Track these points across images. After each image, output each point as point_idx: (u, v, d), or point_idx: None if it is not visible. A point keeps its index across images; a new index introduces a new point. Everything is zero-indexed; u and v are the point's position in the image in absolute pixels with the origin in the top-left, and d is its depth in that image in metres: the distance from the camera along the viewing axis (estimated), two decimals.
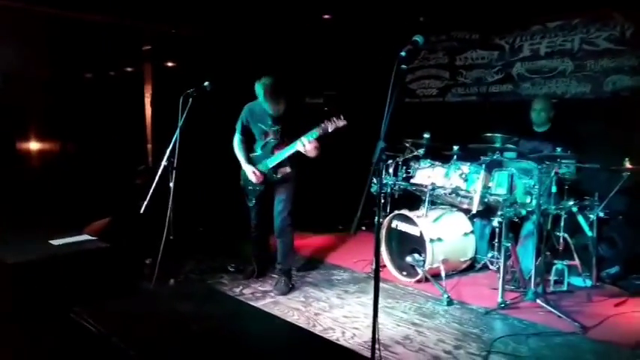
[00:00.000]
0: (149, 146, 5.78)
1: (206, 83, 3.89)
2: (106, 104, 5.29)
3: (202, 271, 4.48)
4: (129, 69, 5.78)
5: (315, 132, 3.77)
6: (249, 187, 4.15)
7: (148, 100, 5.81)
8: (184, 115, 3.84)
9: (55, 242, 3.56)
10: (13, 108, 4.73)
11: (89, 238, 3.79)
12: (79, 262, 3.43)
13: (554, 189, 3.81)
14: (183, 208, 3.99)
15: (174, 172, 3.82)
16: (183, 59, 5.81)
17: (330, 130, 3.77)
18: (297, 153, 3.90)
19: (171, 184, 3.82)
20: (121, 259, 3.82)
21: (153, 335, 2.41)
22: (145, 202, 3.70)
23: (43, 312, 3.00)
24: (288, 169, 4.04)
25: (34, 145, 5.04)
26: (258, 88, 3.84)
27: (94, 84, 5.38)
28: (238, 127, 4.18)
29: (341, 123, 3.75)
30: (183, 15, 5.43)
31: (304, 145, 3.79)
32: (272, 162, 4.01)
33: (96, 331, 2.35)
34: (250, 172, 4.06)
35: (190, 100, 3.85)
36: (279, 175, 4.03)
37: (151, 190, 3.72)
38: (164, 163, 3.79)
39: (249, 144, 4.18)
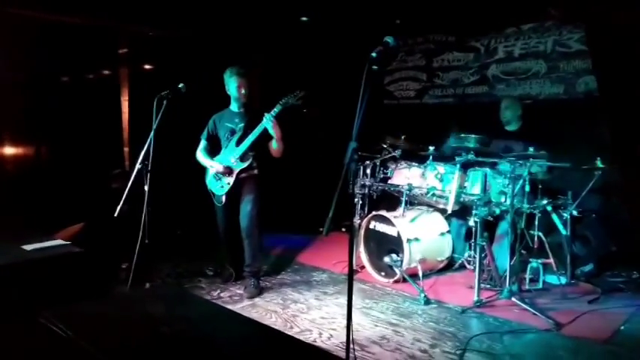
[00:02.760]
0: (126, 149, 5.71)
1: (181, 85, 3.89)
2: (82, 107, 5.21)
3: (180, 274, 4.44)
4: (105, 71, 5.71)
5: (278, 106, 3.90)
6: (216, 186, 4.12)
7: (124, 103, 5.75)
8: (159, 118, 3.82)
9: (27, 247, 3.50)
10: None
11: (62, 242, 3.73)
12: (52, 267, 3.37)
13: (527, 188, 3.86)
14: (160, 211, 3.95)
15: (148, 174, 3.79)
16: (160, 62, 5.76)
17: (290, 102, 3.92)
18: (261, 156, 4.01)
19: (146, 187, 3.79)
20: (96, 264, 3.77)
21: (122, 338, 2.38)
22: (120, 206, 3.66)
23: (13, 316, 2.94)
24: (254, 163, 4.05)
25: (7, 149, 4.94)
26: (227, 75, 4.05)
27: (70, 87, 5.30)
28: (204, 135, 4.24)
29: (300, 93, 3.93)
30: (160, 17, 5.39)
31: (270, 121, 3.86)
32: (239, 152, 4.02)
33: (64, 334, 2.32)
34: (215, 167, 4.06)
35: (165, 102, 3.83)
36: (244, 163, 4.00)
37: (125, 194, 3.68)
38: (138, 165, 3.76)
39: (213, 152, 4.20)
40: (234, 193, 4.07)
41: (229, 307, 3.75)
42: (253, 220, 4.04)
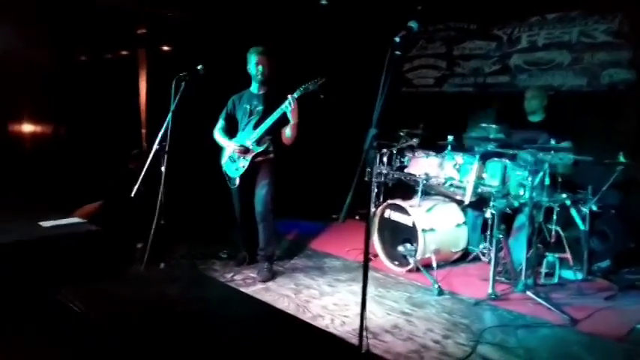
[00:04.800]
0: (143, 131, 5.73)
1: (199, 67, 3.88)
2: (101, 88, 5.23)
3: (194, 256, 4.44)
4: (124, 52, 5.71)
5: (298, 92, 3.87)
6: (230, 169, 4.11)
7: (142, 84, 5.76)
8: (177, 99, 3.82)
9: (45, 224, 3.54)
10: (3, 90, 4.67)
11: (79, 220, 3.77)
12: (68, 245, 3.41)
13: (547, 181, 3.80)
14: (176, 192, 3.96)
15: (166, 156, 3.80)
16: (179, 43, 5.74)
17: (310, 89, 3.88)
18: (278, 140, 3.97)
19: (163, 168, 3.80)
20: (112, 243, 3.81)
21: (137, 317, 2.40)
22: (137, 186, 3.68)
23: (30, 293, 2.99)
24: (271, 147, 4.02)
25: (26, 128, 4.98)
26: (249, 53, 4.03)
27: (89, 67, 5.31)
28: (222, 115, 4.23)
29: (321, 80, 3.88)
30: None
31: (290, 104, 3.83)
32: (256, 135, 3.99)
33: (81, 312, 2.34)
34: (231, 147, 4.04)
35: (183, 83, 3.83)
36: (261, 147, 3.98)
37: (142, 174, 3.70)
38: (156, 146, 3.77)
39: (231, 133, 4.17)
40: (250, 177, 4.06)
41: (242, 289, 3.78)
42: (268, 204, 4.04)
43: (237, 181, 4.07)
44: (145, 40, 5.68)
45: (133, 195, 3.67)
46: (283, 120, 3.92)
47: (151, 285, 3.50)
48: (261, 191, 4.03)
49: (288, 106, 3.85)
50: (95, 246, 3.56)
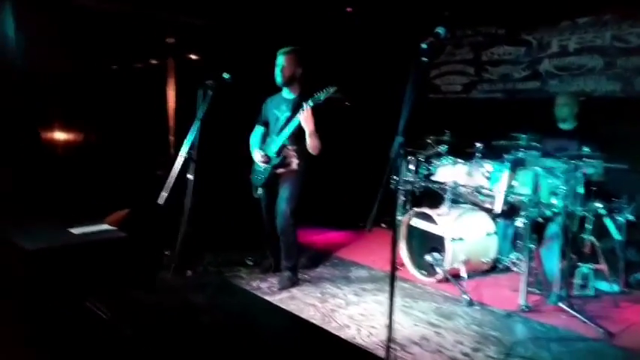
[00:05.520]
0: (171, 138, 5.80)
1: (225, 75, 3.89)
2: (130, 95, 5.32)
3: (220, 263, 4.47)
4: (153, 61, 5.80)
5: (311, 101, 3.78)
6: (255, 177, 4.10)
7: (170, 92, 5.83)
8: (203, 107, 3.84)
9: (75, 231, 3.59)
10: (37, 98, 4.78)
11: (109, 227, 3.81)
12: (98, 252, 3.44)
13: (580, 190, 3.69)
14: (203, 199, 3.98)
15: (193, 163, 3.82)
16: (207, 52, 5.80)
17: (321, 98, 3.77)
18: (304, 151, 3.90)
19: (191, 176, 3.83)
20: (140, 250, 3.84)
21: (163, 325, 2.41)
22: (163, 193, 3.70)
23: (58, 299, 3.02)
24: (294, 159, 3.96)
25: (57, 135, 5.09)
26: (279, 56, 3.94)
27: (119, 75, 5.41)
28: (258, 120, 4.21)
29: (331, 89, 3.77)
30: (207, 6, 5.43)
31: (301, 113, 3.77)
32: (276, 145, 3.97)
33: (109, 319, 2.36)
34: (255, 155, 4.04)
35: (209, 91, 3.85)
36: (279, 158, 3.94)
37: (169, 182, 3.72)
38: (183, 154, 3.80)
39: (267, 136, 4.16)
40: (274, 187, 4.03)
41: (268, 298, 3.77)
42: (287, 219, 3.95)
43: (260, 190, 4.06)
44: (174, 49, 5.76)
45: (159, 202, 3.69)
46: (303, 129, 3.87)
47: (178, 292, 3.52)
48: (281, 204, 3.96)
49: (300, 115, 3.80)
50: (123, 253, 3.59)
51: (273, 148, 3.99)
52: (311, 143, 3.86)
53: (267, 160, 3.98)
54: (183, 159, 3.78)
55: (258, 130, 4.19)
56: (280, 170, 3.99)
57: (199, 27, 5.74)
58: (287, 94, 4.06)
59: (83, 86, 5.07)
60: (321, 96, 3.79)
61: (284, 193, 3.96)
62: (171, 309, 2.71)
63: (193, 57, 5.92)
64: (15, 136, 4.61)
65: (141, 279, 3.62)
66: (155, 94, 5.70)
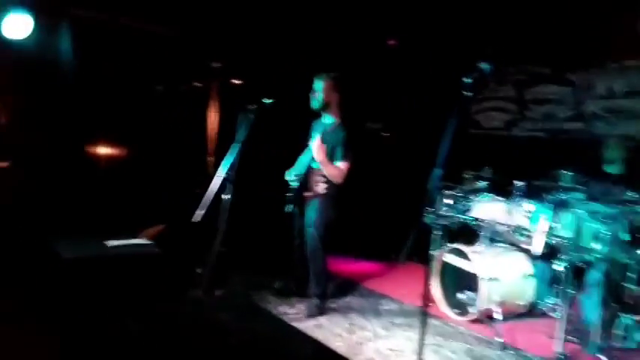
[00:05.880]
0: (210, 159, 5.90)
1: (267, 100, 3.95)
2: (173, 115, 5.47)
3: (250, 285, 4.46)
4: (197, 83, 5.96)
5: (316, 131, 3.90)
6: (288, 194, 4.11)
7: (212, 114, 5.96)
8: (244, 131, 3.89)
9: (111, 243, 3.66)
10: (85, 113, 4.96)
11: (144, 242, 3.88)
12: (131, 265, 3.50)
13: (625, 236, 3.55)
14: (238, 220, 4.01)
15: (231, 185, 3.86)
16: (250, 77, 5.93)
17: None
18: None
19: (227, 197, 3.86)
20: (172, 266, 3.88)
21: (190, 342, 2.41)
22: (198, 212, 3.74)
23: (90, 309, 3.06)
24: (321, 183, 3.95)
25: (101, 149, 5.26)
26: (316, 81, 4.01)
27: (164, 96, 5.57)
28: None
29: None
30: (252, 32, 5.57)
31: (313, 141, 3.83)
32: (296, 169, 4.04)
33: (138, 332, 2.37)
34: (287, 173, 4.11)
35: (250, 115, 3.91)
36: (301, 178, 4.00)
37: (206, 201, 3.76)
38: (222, 175, 3.84)
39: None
40: (301, 210, 4.06)
41: (294, 324, 3.72)
42: (315, 243, 3.94)
43: (289, 208, 4.06)
44: (218, 73, 5.91)
45: (194, 220, 3.73)
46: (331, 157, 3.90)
47: (207, 311, 3.52)
48: (308, 229, 3.97)
49: (311, 144, 3.86)
50: (156, 268, 3.64)
51: (300, 168, 4.04)
52: (326, 172, 3.88)
53: (294, 178, 4.05)
54: (221, 179, 3.82)
55: (305, 152, 4.23)
56: (308, 194, 4.01)
57: (244, 52, 5.89)
58: (326, 118, 4.11)
59: (129, 104, 5.24)
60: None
61: (311, 216, 3.98)
62: (198, 327, 2.71)
63: (237, 81, 6.06)
64: (61, 147, 4.79)
65: (171, 295, 3.64)
66: (197, 116, 5.85)
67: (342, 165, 3.89)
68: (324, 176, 3.94)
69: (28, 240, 3.82)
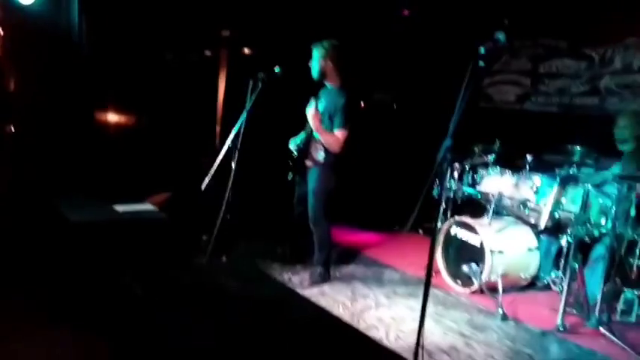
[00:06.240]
0: (218, 128, 5.91)
1: (277, 69, 3.93)
2: (182, 84, 5.45)
3: (255, 253, 4.50)
4: (207, 52, 5.92)
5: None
6: (290, 162, 4.13)
7: (221, 84, 5.94)
8: (252, 98, 3.89)
9: (119, 208, 3.70)
10: (95, 80, 4.97)
11: (151, 208, 3.92)
12: (139, 230, 3.55)
13: (633, 212, 3.52)
14: (244, 188, 4.03)
15: (237, 153, 3.88)
16: (260, 45, 5.87)
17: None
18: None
19: (234, 164, 3.88)
20: (178, 233, 3.93)
21: (195, 307, 2.45)
22: (206, 180, 3.77)
23: (97, 271, 3.12)
24: (321, 151, 3.94)
25: (110, 116, 5.28)
26: (313, 50, 3.98)
27: (173, 64, 5.55)
28: None
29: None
30: (261, 1, 5.50)
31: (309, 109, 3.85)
32: (298, 137, 4.03)
33: (142, 296, 2.42)
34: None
35: (260, 84, 3.90)
36: (303, 146, 4.01)
37: (213, 169, 3.79)
38: (229, 143, 3.86)
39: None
40: (303, 177, 4.07)
41: (298, 291, 3.77)
42: (317, 211, 3.95)
43: (290, 176, 4.08)
44: (228, 41, 5.86)
45: (202, 188, 3.76)
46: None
47: (212, 277, 3.57)
48: (310, 198, 3.98)
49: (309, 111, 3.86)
50: (163, 234, 3.68)
51: (302, 137, 4.05)
52: (322, 140, 3.86)
53: (295, 146, 4.06)
54: (228, 148, 3.84)
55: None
56: (309, 163, 4.01)
57: (254, 20, 5.82)
58: (329, 86, 4.05)
59: (138, 72, 5.23)
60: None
61: (311, 185, 3.99)
62: (202, 291, 2.76)
63: (246, 50, 6.01)
64: (71, 114, 4.81)
65: (177, 261, 3.70)
66: (207, 85, 5.82)
67: (338, 133, 3.83)
68: (324, 145, 3.93)
69: (36, 204, 3.88)
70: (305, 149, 4.01)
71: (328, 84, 4.03)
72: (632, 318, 3.68)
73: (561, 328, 3.43)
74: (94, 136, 5.00)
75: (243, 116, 3.91)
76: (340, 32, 5.86)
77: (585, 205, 3.68)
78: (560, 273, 4.08)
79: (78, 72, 4.84)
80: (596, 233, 3.64)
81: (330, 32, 5.53)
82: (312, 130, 3.91)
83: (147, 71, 5.28)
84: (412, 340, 2.48)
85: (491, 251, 3.89)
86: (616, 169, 3.99)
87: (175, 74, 5.47)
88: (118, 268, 2.91)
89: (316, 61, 3.96)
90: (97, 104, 5.19)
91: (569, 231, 3.62)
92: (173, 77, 5.43)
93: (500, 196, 4.11)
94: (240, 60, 5.90)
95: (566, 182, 3.89)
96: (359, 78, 4.14)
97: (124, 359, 2.39)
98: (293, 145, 4.08)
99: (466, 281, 4.09)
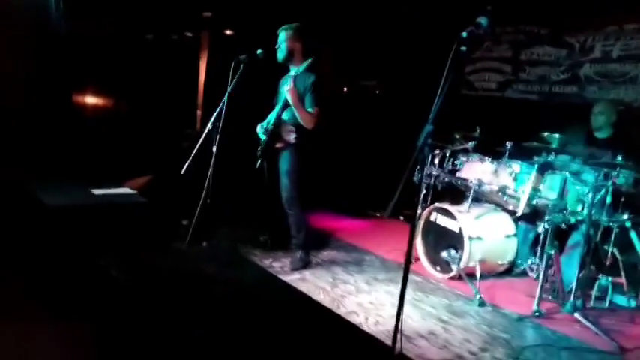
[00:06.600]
0: (199, 112, 5.83)
1: (259, 51, 3.88)
2: (162, 66, 5.35)
3: (235, 238, 4.49)
4: (187, 34, 5.82)
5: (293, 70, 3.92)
6: (258, 149, 4.11)
7: (202, 66, 5.85)
8: (234, 81, 3.84)
9: (97, 192, 3.65)
10: (73, 61, 4.85)
11: (129, 192, 3.87)
12: (117, 214, 3.51)
13: (608, 200, 3.59)
14: (225, 173, 3.99)
15: (218, 136, 3.83)
16: (242, 28, 5.79)
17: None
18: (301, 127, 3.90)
19: (214, 149, 3.84)
20: (158, 217, 3.89)
21: (174, 290, 2.43)
22: (187, 164, 3.73)
23: (75, 256, 3.08)
24: (292, 133, 3.93)
25: (88, 99, 5.17)
26: (280, 33, 3.97)
27: (153, 46, 5.44)
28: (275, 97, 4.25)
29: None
30: None
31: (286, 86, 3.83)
32: (273, 114, 4.01)
33: (120, 280, 2.39)
34: (258, 127, 4.11)
35: (242, 66, 3.85)
36: (271, 129, 3.98)
37: (194, 153, 3.75)
38: (209, 127, 3.82)
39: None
40: (273, 162, 4.05)
41: (279, 276, 3.77)
42: (291, 192, 3.96)
43: (259, 162, 4.06)
44: (210, 23, 5.76)
45: (182, 172, 3.72)
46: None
47: (192, 261, 3.55)
48: (282, 180, 3.99)
49: (285, 88, 3.83)
50: (142, 218, 3.64)
51: (269, 120, 4.03)
52: (298, 116, 3.85)
53: (263, 131, 4.04)
54: (208, 131, 3.80)
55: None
56: (279, 145, 3.98)
57: (236, 2, 5.72)
58: (292, 70, 4.05)
59: (118, 53, 5.12)
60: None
61: (283, 166, 3.98)
62: (183, 276, 2.74)
63: (228, 32, 5.92)
64: (48, 96, 4.69)
65: (156, 245, 3.67)
66: (188, 67, 5.73)
67: (312, 110, 3.87)
68: (294, 126, 3.92)
69: (11, 188, 3.80)
70: (274, 132, 3.98)
71: (293, 67, 4.03)
72: (606, 304, 3.77)
73: (537, 314, 3.50)
74: (72, 119, 4.89)
75: (225, 99, 3.86)
76: (323, 18, 5.84)
77: (563, 193, 3.74)
78: (537, 259, 4.16)
79: (55, 53, 4.72)
80: (572, 220, 3.70)
81: (314, 17, 5.50)
82: (281, 113, 3.90)
83: (126, 53, 5.17)
84: (391, 324, 2.50)
85: (470, 237, 3.94)
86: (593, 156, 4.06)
87: (156, 56, 5.36)
88: (96, 253, 2.87)
89: (283, 43, 3.95)
90: (75, 86, 5.07)
91: (546, 218, 3.67)
92: (153, 59, 5.33)
93: (480, 182, 4.16)
94: (221, 42, 5.82)
95: (544, 170, 3.94)
96: (343, 64, 4.10)
97: (104, 344, 2.38)
98: (261, 130, 4.06)
99: (445, 267, 4.13)
